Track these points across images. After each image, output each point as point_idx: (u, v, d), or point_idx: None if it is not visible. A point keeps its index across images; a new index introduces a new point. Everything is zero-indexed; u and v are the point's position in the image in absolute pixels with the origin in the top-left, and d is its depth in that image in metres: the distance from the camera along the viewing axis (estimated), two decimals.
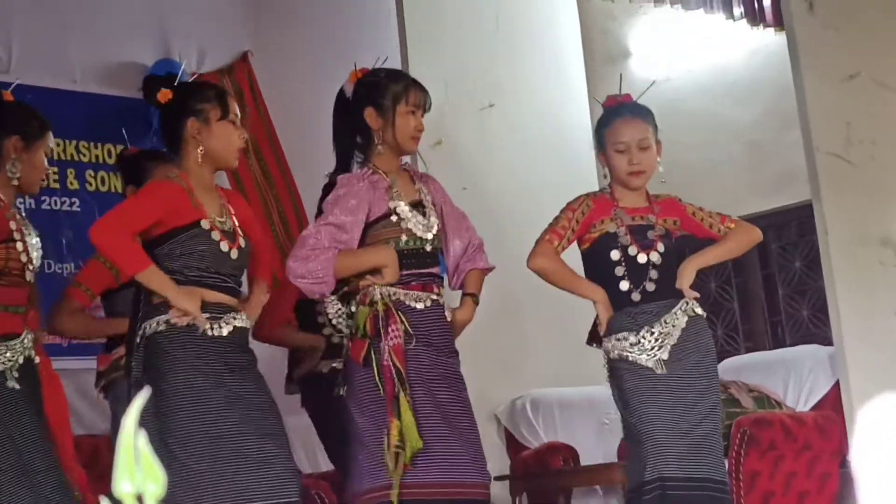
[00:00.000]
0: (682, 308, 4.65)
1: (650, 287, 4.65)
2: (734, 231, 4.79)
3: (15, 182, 4.45)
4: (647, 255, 4.66)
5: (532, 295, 6.03)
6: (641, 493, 4.53)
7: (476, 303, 4.67)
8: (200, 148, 4.33)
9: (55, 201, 6.68)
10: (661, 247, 4.68)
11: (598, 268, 4.71)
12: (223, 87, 4.93)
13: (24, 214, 4.59)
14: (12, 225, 4.36)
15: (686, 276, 4.68)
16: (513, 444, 7.48)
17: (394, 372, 4.29)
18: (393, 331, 4.35)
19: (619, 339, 4.61)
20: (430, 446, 4.31)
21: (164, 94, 4.37)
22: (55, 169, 6.82)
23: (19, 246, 4.35)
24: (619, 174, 4.71)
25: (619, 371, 4.64)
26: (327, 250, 4.35)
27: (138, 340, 4.21)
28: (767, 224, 7.55)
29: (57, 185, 6.85)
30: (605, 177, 4.78)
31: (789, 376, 6.83)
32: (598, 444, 7.05)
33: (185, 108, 4.34)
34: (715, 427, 4.65)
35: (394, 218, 4.47)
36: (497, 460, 7.06)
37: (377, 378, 4.32)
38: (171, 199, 4.25)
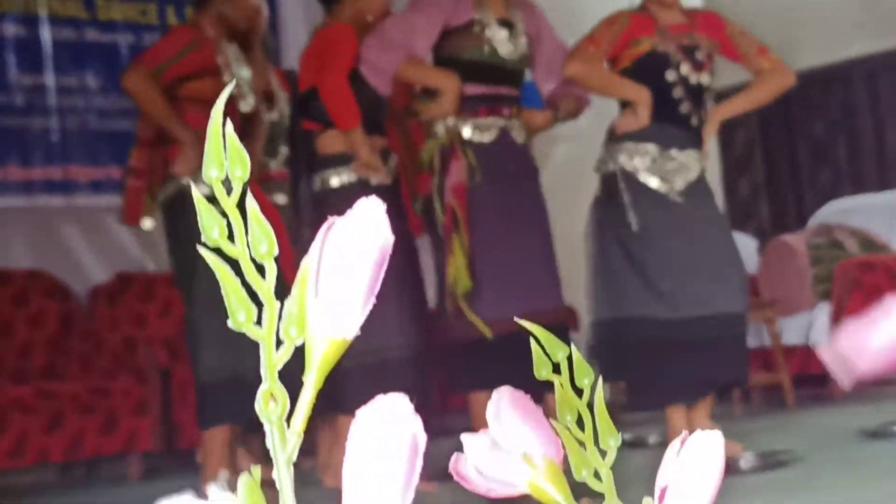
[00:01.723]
0: (697, 157, 4.44)
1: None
2: (765, 76, 4.49)
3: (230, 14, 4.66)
4: (699, 76, 4.44)
5: None
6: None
7: (556, 118, 4.66)
8: (356, 4, 4.48)
9: (155, 38, 6.67)
10: (710, 69, 4.48)
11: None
12: None
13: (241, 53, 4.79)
14: (220, 59, 4.58)
15: (713, 129, 4.48)
16: None
17: (452, 212, 4.37)
18: (454, 168, 4.37)
19: (643, 150, 4.38)
20: (495, 283, 4.36)
21: None
22: (156, 5, 6.83)
23: (226, 78, 4.57)
24: None
25: (628, 187, 4.39)
26: (398, 49, 4.41)
27: (315, 191, 4.33)
28: (878, 66, 7.35)
29: (158, 22, 6.85)
30: None
31: (895, 220, 6.71)
32: None
33: None
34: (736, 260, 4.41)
35: (476, 28, 4.48)
36: None
37: (439, 214, 4.41)
38: (357, 44, 4.38)
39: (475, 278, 4.34)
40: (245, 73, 4.64)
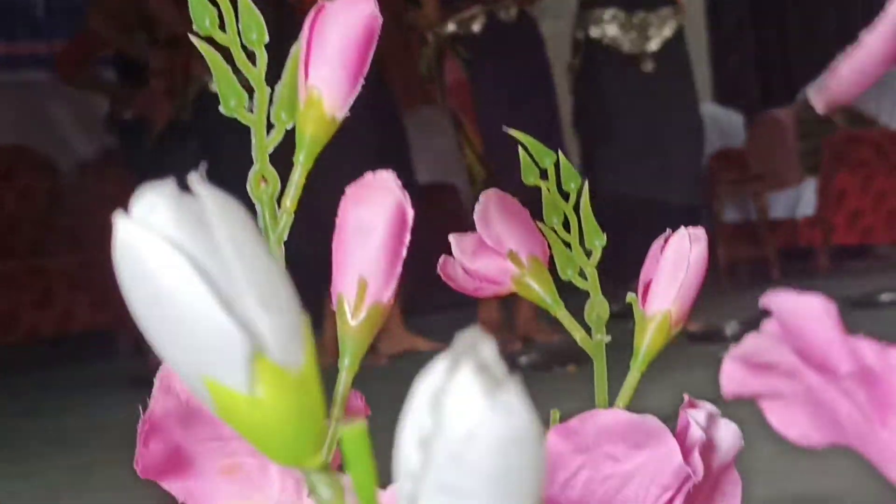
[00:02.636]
0: (669, 14, 4.40)
1: None
2: None
3: None
4: None
5: None
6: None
7: None
8: None
9: None
10: None
11: None
12: None
13: None
14: None
15: None
16: None
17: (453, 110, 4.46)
18: (449, 68, 4.44)
19: (609, 16, 4.39)
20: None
21: None
22: None
23: None
24: None
25: (595, 58, 4.42)
26: None
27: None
28: None
29: None
30: None
31: (884, 93, 6.71)
32: None
33: None
34: (698, 147, 4.49)
35: None
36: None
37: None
38: None
39: (489, 166, 4.39)
40: None
